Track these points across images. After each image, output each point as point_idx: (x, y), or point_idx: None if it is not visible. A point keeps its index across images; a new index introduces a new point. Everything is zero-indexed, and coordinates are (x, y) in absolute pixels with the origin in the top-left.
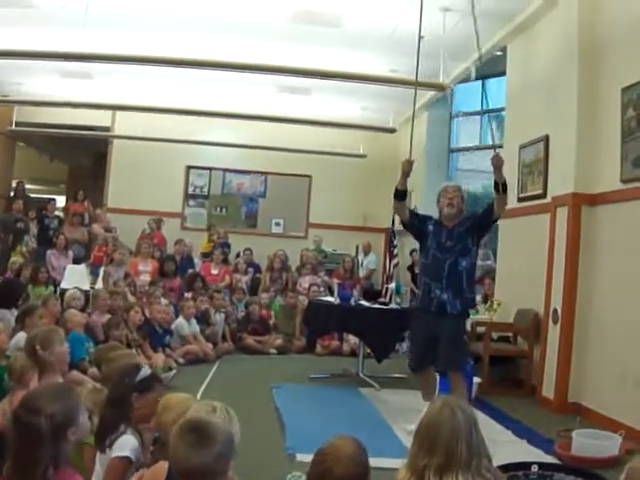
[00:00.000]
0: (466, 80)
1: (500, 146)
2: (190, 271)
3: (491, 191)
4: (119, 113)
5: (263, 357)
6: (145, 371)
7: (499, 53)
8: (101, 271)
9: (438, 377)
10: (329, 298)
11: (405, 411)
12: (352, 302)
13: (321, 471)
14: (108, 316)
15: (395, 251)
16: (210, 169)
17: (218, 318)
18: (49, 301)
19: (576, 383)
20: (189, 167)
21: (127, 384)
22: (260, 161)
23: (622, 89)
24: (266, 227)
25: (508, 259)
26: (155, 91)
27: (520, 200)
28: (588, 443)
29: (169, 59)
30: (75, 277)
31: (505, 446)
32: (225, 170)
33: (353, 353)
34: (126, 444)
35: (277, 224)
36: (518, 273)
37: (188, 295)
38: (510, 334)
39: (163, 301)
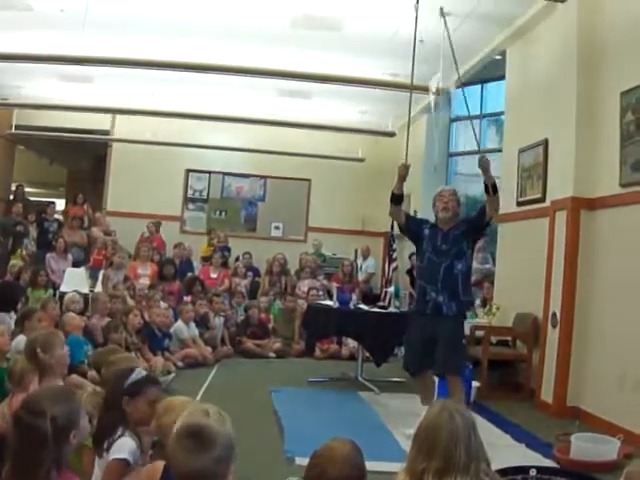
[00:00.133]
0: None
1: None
2: (189, 275)
3: None
4: (119, 117)
5: (262, 361)
6: (137, 374)
7: (498, 57)
8: (100, 274)
9: (437, 381)
10: (328, 302)
11: (404, 415)
12: (351, 306)
13: (316, 474)
14: (108, 319)
15: (394, 255)
16: (209, 173)
17: (217, 322)
18: (48, 304)
19: (575, 387)
20: (188, 171)
21: (117, 388)
22: (259, 165)
23: (621, 93)
24: (265, 231)
25: (507, 263)
26: (155, 95)
27: (519, 204)
28: (587, 447)
29: (169, 63)
30: (74, 280)
31: (504, 450)
32: (224, 174)
33: (352, 357)
34: (124, 446)
35: (276, 228)
36: (517, 277)
37: (187, 299)
38: (509, 338)
39: (162, 304)
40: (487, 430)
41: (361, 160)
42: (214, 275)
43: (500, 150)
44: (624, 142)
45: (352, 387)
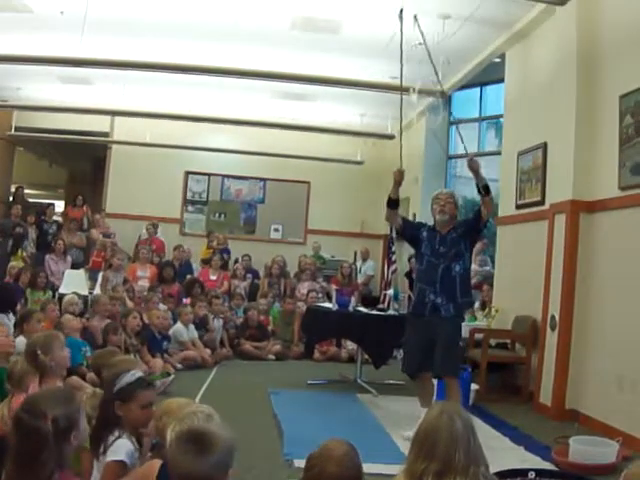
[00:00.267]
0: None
1: (500, 152)
2: (189, 277)
3: None
4: (118, 118)
5: (261, 363)
6: (128, 378)
7: (498, 60)
8: (100, 276)
9: (436, 383)
10: (327, 304)
11: (402, 417)
12: (350, 308)
13: (315, 473)
14: (108, 321)
15: (393, 257)
16: (209, 175)
17: (216, 324)
18: (47, 306)
19: (574, 390)
20: (188, 173)
21: (109, 392)
22: (259, 167)
23: (620, 96)
24: (265, 233)
25: (506, 266)
26: (154, 97)
27: (518, 207)
28: (585, 450)
29: (169, 65)
30: (73, 282)
31: (502, 453)
32: (224, 176)
33: (351, 359)
34: (121, 448)
35: (276, 230)
36: (516, 280)
37: (187, 301)
38: (508, 341)
39: (161, 306)
40: (486, 433)
41: (360, 163)
42: (213, 277)
43: (499, 153)
44: (623, 145)
45: (351, 389)
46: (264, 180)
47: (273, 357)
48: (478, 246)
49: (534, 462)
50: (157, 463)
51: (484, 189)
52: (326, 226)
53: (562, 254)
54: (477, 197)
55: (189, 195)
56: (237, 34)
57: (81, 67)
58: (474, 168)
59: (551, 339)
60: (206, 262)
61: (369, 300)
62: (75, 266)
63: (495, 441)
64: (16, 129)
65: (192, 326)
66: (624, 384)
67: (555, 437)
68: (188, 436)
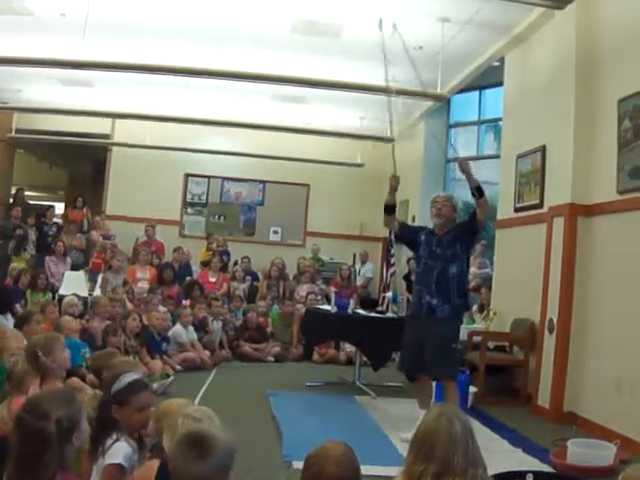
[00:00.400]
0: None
1: (499, 156)
2: (188, 279)
3: (489, 200)
4: (118, 121)
5: (260, 365)
6: (123, 381)
7: (497, 63)
8: (99, 278)
9: (435, 385)
10: (326, 306)
11: (401, 420)
12: (349, 311)
13: (314, 473)
14: (108, 323)
15: (392, 260)
16: (208, 177)
17: (216, 326)
18: (47, 307)
19: (572, 392)
20: (187, 175)
21: (106, 396)
22: (258, 170)
23: (619, 100)
24: (264, 235)
25: (505, 268)
26: (155, 99)
27: (517, 210)
28: (583, 452)
29: (169, 67)
30: (73, 283)
31: (500, 455)
32: (223, 178)
33: (350, 361)
34: (119, 451)
35: (275, 232)
36: (514, 283)
37: (186, 303)
38: (506, 343)
39: (161, 308)
40: (484, 435)
41: (360, 165)
42: (213, 279)
43: (498, 156)
44: (621, 149)
45: (349, 391)
46: (264, 182)
47: (272, 359)
48: (477, 248)
49: (532, 464)
50: (155, 464)
51: (477, 191)
52: (325, 228)
53: (560, 257)
54: None
55: (189, 197)
56: (238, 37)
57: (82, 69)
58: (465, 170)
59: (549, 342)
60: (205, 264)
61: (368, 302)
62: (75, 268)
63: (493, 443)
64: (16, 131)
65: (191, 328)
66: (622, 387)
67: (553, 439)
68: (188, 439)
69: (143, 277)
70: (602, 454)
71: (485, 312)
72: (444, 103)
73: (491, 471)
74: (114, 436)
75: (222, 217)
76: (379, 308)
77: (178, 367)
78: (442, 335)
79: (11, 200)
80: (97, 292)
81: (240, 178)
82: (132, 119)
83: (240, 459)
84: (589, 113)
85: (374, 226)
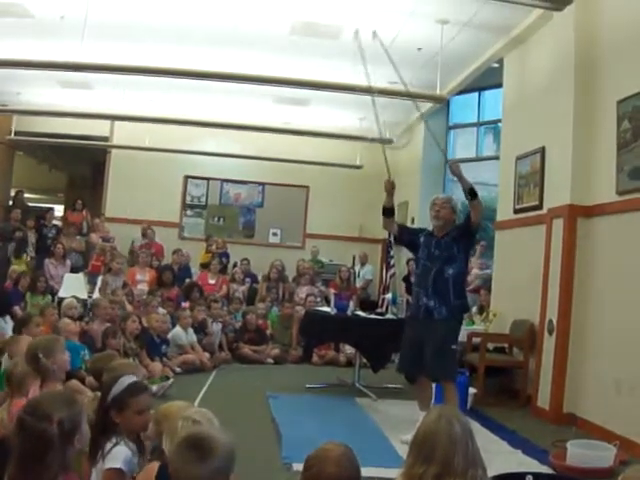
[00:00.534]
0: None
1: (498, 157)
2: (188, 281)
3: (489, 202)
4: (118, 123)
5: (260, 367)
6: (121, 385)
7: (496, 65)
8: (99, 280)
9: (434, 387)
10: (326, 308)
11: (401, 421)
12: (348, 312)
13: (314, 473)
14: (108, 325)
15: (392, 262)
16: (208, 179)
17: (215, 328)
18: (46, 310)
19: (571, 394)
20: (187, 177)
21: (104, 401)
22: (258, 171)
23: (618, 101)
24: (263, 237)
25: (504, 270)
26: (154, 101)
27: (516, 211)
28: (583, 454)
29: (168, 70)
30: (73, 286)
31: (500, 456)
32: (223, 180)
33: (349, 363)
34: (118, 456)
35: (274, 234)
36: (514, 284)
37: (185, 305)
38: (506, 345)
39: (161, 310)
40: (484, 436)
41: (359, 167)
42: (212, 281)
43: (497, 158)
44: (621, 150)
45: (349, 393)
46: (263, 184)
47: (272, 361)
48: (478, 249)
49: (532, 466)
50: (155, 466)
51: (470, 193)
52: (325, 230)
53: (560, 258)
54: None
55: (188, 199)
56: (237, 39)
57: (81, 72)
58: (456, 173)
59: (549, 343)
60: (205, 266)
61: (367, 304)
62: (74, 270)
63: (493, 445)
64: (16, 133)
65: (191, 330)
66: (622, 388)
67: (553, 441)
68: (188, 441)
69: (142, 279)
70: (602, 455)
71: (485, 313)
72: (443, 105)
73: (491, 472)
74: (114, 440)
75: (221, 219)
76: (378, 310)
77: (178, 369)
78: (440, 336)
79: (10, 202)
80: (96, 294)
81: (239, 180)
82: (131, 121)
83: (239, 461)
84: (588, 114)
85: (373, 228)
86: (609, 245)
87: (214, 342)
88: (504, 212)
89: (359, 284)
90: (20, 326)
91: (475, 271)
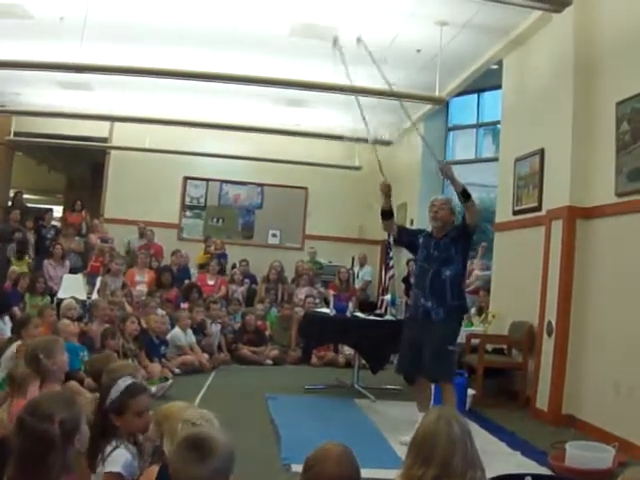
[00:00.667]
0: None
1: (497, 159)
2: (187, 282)
3: (488, 203)
4: (117, 124)
5: (259, 368)
6: (120, 387)
7: (495, 66)
8: (98, 281)
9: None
10: (325, 309)
11: (399, 423)
12: (347, 314)
13: (314, 473)
14: (107, 326)
15: (391, 263)
16: (207, 180)
17: (214, 329)
18: (45, 311)
19: (570, 395)
20: (186, 178)
21: (102, 404)
22: (257, 173)
23: (617, 103)
24: (262, 238)
25: (503, 271)
26: (153, 103)
27: (515, 213)
28: (582, 455)
29: (168, 71)
30: (72, 287)
31: (499, 458)
32: (222, 181)
33: (348, 364)
34: (118, 459)
35: (273, 235)
36: (513, 285)
37: (184, 306)
38: (505, 346)
39: (159, 311)
40: (482, 438)
41: (358, 168)
42: (211, 282)
43: (496, 159)
44: (620, 151)
45: (348, 394)
46: (262, 185)
47: (271, 362)
48: (479, 250)
49: (530, 467)
50: (155, 470)
51: (463, 195)
52: (324, 231)
53: (559, 260)
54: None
55: (187, 200)
56: (236, 40)
57: (80, 73)
58: (448, 175)
59: (548, 344)
60: (204, 267)
61: (366, 305)
62: (73, 271)
63: (492, 446)
64: (15, 134)
65: (190, 331)
66: (621, 389)
67: (551, 442)
68: (188, 442)
69: (142, 280)
70: (601, 457)
71: (483, 315)
72: (443, 106)
73: (489, 474)
74: (113, 443)
75: (220, 220)
76: (378, 311)
77: (177, 370)
78: (438, 338)
79: (10, 203)
80: (95, 295)
81: (239, 181)
82: (131, 122)
83: (239, 462)
84: (587, 116)
85: (372, 229)
86: (608, 247)
87: (213, 343)
88: (503, 213)
89: (358, 285)
90: (19, 327)
91: (476, 272)
